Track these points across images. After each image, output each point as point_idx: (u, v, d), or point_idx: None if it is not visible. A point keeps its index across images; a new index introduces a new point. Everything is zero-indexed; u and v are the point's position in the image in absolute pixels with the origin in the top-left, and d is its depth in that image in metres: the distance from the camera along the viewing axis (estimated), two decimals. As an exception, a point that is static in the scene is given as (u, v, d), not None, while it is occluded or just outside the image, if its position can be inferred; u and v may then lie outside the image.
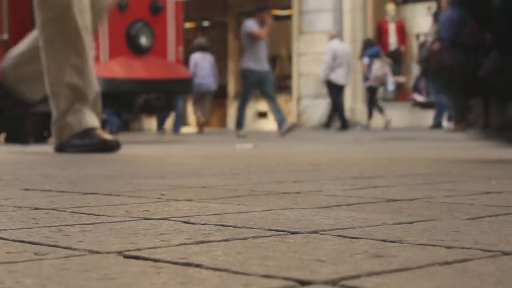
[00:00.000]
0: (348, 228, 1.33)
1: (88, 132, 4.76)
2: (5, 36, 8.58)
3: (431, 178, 2.51)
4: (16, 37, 8.69)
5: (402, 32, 17.99)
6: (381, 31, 18.08)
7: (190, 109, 17.50)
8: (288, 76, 19.03)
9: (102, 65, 8.53)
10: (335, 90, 14.76)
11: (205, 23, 22.95)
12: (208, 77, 14.79)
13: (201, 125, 15.19)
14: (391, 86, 16.45)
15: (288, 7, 18.90)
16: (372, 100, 15.78)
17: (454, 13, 12.96)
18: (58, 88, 4.80)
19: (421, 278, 0.90)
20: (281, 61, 20.06)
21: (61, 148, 4.85)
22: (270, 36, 11.97)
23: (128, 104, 9.08)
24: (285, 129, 10.79)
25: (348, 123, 14.93)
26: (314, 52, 17.57)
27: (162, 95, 9.03)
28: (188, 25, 20.65)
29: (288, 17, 19.12)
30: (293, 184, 2.30)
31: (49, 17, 4.76)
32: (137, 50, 8.88)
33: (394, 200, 1.80)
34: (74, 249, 1.13)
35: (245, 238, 1.22)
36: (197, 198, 1.89)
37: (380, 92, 16.78)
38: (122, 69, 8.73)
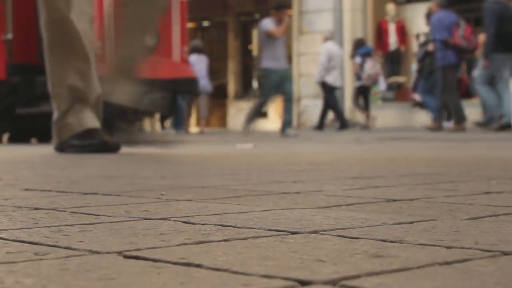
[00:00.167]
0: (348, 228, 1.33)
1: (88, 132, 4.76)
2: (9, 36, 8.58)
3: (431, 178, 2.51)
4: (20, 37, 8.70)
5: (402, 32, 17.99)
6: (381, 31, 18.09)
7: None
8: (288, 76, 19.03)
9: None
10: (330, 92, 14.85)
11: (205, 23, 22.94)
12: (203, 78, 14.96)
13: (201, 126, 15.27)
14: (382, 86, 16.54)
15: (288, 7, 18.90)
16: (367, 99, 15.92)
17: (444, 15, 13.04)
18: (59, 88, 4.81)
19: (421, 278, 0.90)
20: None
21: (61, 148, 4.86)
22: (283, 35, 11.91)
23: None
24: (286, 135, 10.78)
25: (347, 123, 14.98)
26: (314, 52, 17.55)
27: (167, 94, 8.97)
28: (188, 25, 20.65)
29: (288, 17, 19.12)
30: (293, 184, 2.30)
31: (50, 19, 4.77)
32: None
33: (394, 200, 1.80)
34: (74, 249, 1.13)
35: (245, 238, 1.22)
36: (197, 198, 1.89)
37: (377, 92, 16.82)
38: None
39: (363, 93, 15.92)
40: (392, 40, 17.98)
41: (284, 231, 1.30)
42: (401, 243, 1.16)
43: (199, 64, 14.95)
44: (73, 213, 1.59)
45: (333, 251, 1.09)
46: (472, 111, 13.11)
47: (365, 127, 15.69)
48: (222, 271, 0.95)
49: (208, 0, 21.40)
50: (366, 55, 15.82)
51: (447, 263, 0.99)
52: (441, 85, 12.33)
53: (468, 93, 14.44)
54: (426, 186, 2.18)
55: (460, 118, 12.06)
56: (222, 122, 21.26)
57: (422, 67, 13.37)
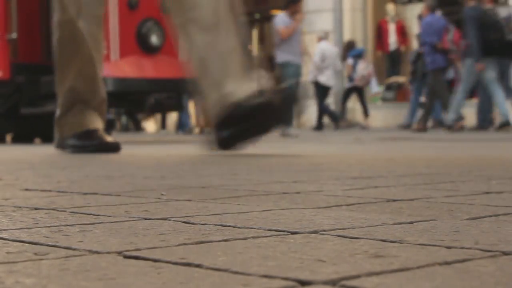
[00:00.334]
0: (348, 228, 1.33)
1: (89, 133, 4.77)
2: (14, 35, 8.57)
3: (431, 178, 2.51)
4: (24, 36, 8.70)
5: (402, 32, 18.00)
6: (381, 31, 18.09)
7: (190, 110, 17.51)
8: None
9: (112, 64, 8.41)
10: (322, 92, 14.95)
11: (205, 23, 22.90)
12: None
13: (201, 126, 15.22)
14: (375, 89, 16.69)
15: (288, 7, 18.89)
16: (362, 100, 16.09)
17: (434, 19, 13.15)
18: (63, 87, 4.84)
19: (421, 278, 0.90)
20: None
21: (61, 145, 4.88)
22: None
23: (139, 104, 9.01)
24: (287, 134, 10.77)
25: (337, 115, 15.33)
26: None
27: (173, 94, 8.94)
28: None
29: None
30: (293, 184, 2.30)
31: (62, 19, 4.79)
32: (147, 49, 8.66)
33: (394, 200, 1.80)
34: (74, 249, 1.13)
35: (245, 238, 1.22)
36: (197, 198, 1.89)
37: (378, 92, 16.88)
38: (133, 68, 8.57)
39: (356, 93, 16.13)
40: (392, 40, 17.98)
41: (284, 231, 1.30)
42: (401, 243, 1.16)
43: None
44: (73, 213, 1.59)
45: (333, 251, 1.09)
46: (472, 111, 13.12)
47: (364, 127, 15.73)
48: (222, 271, 0.95)
49: (208, 0, 21.38)
50: (358, 56, 16.01)
51: (447, 263, 0.99)
52: (430, 88, 12.55)
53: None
54: (426, 186, 2.18)
55: (458, 118, 12.15)
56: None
57: (416, 69, 13.51)
